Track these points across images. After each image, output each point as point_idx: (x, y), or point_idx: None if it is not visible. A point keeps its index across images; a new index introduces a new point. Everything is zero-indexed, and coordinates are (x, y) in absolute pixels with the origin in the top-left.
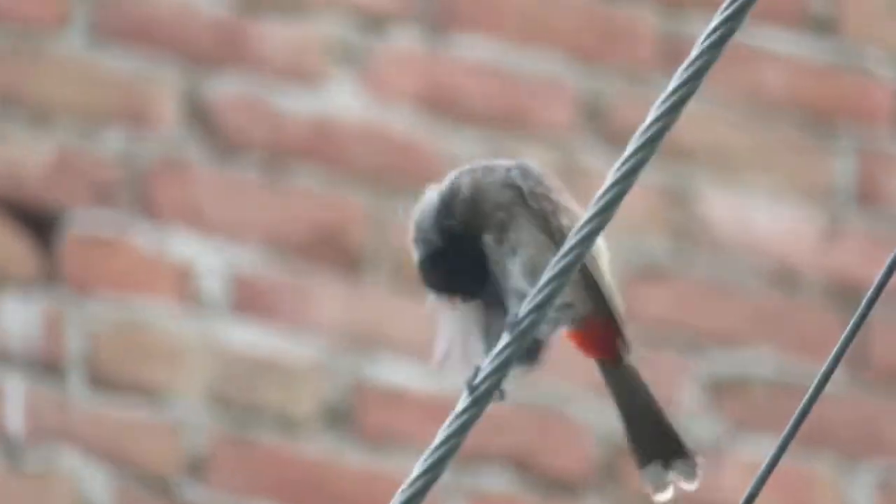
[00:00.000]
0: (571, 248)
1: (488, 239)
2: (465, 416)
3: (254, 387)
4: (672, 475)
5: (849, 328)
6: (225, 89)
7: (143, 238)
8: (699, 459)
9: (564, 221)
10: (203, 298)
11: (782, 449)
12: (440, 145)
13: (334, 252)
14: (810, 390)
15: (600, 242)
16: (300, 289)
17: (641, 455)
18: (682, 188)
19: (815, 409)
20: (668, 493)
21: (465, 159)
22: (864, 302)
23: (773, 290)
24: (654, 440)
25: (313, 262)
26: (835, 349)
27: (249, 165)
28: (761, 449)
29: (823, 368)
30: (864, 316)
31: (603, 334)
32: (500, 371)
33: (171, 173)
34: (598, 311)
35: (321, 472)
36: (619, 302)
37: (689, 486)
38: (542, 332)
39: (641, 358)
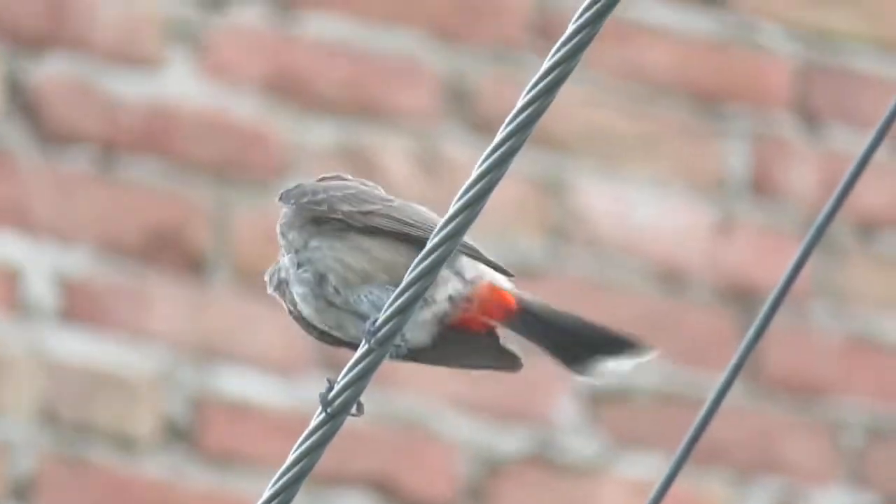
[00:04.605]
0: (436, 246)
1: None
2: (319, 433)
3: (87, 402)
4: (617, 363)
5: (749, 336)
6: (50, 72)
7: None
8: (641, 342)
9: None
10: (29, 304)
11: (677, 468)
12: (288, 135)
13: (174, 253)
14: (707, 405)
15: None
16: (137, 294)
17: (580, 360)
18: (556, 179)
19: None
20: (603, 377)
21: (315, 150)
22: (765, 307)
23: (658, 292)
24: (589, 342)
25: (151, 265)
26: (733, 359)
27: (79, 157)
28: (644, 466)
29: (722, 380)
30: (765, 323)
31: (491, 297)
32: (357, 383)
33: None
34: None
35: (161, 494)
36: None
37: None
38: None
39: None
